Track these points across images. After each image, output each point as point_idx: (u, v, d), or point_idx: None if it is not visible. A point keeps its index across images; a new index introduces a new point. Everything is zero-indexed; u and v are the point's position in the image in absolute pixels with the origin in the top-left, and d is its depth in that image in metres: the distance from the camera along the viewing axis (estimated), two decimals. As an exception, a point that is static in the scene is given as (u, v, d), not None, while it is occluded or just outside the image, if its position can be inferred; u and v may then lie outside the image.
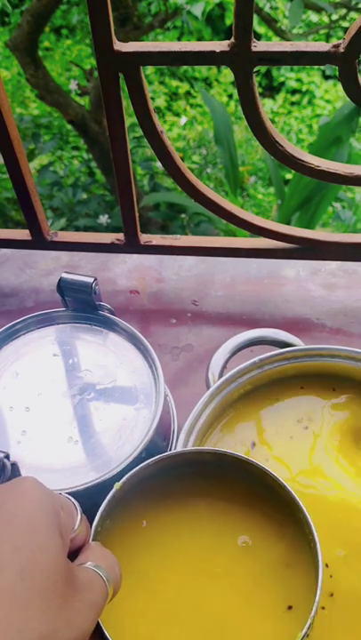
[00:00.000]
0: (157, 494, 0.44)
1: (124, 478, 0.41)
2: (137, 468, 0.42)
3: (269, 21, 2.07)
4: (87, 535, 0.36)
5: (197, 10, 1.77)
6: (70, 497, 0.36)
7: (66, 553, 0.31)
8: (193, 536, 0.42)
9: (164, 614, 0.39)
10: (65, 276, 0.54)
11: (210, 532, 0.42)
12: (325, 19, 2.83)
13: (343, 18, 1.97)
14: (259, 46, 0.52)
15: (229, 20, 2.98)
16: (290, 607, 0.38)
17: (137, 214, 0.69)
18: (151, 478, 0.43)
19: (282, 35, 2.06)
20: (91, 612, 0.31)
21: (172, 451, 0.44)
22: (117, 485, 0.41)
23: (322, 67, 0.54)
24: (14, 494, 0.31)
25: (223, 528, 0.42)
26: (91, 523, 0.39)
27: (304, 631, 0.35)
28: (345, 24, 2.01)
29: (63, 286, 0.54)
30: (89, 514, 0.40)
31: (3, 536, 0.29)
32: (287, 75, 3.21)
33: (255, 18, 1.49)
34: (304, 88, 3.20)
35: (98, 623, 0.35)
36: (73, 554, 0.35)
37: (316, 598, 0.36)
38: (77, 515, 0.35)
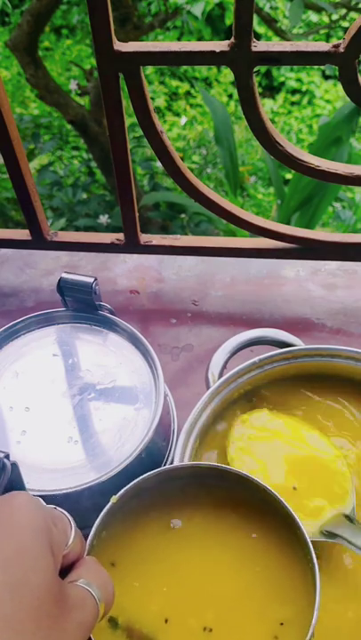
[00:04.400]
0: (160, 505, 0.43)
1: (121, 492, 0.41)
2: (135, 481, 0.41)
3: (269, 21, 2.07)
4: (82, 549, 0.36)
5: (197, 10, 1.77)
6: (64, 512, 0.35)
7: (57, 571, 0.31)
8: (198, 548, 0.42)
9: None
10: (65, 276, 0.54)
11: (215, 543, 0.42)
12: (325, 19, 2.84)
13: (343, 18, 1.97)
14: (259, 46, 0.52)
15: (229, 20, 2.98)
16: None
17: (137, 214, 0.69)
18: (151, 490, 0.43)
19: (282, 35, 2.06)
20: (80, 632, 0.30)
21: (171, 465, 0.44)
22: (114, 499, 0.41)
23: (322, 67, 0.54)
24: (5, 511, 0.31)
25: (227, 539, 0.42)
26: (91, 526, 0.39)
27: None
28: (345, 24, 2.01)
29: (63, 286, 0.54)
30: (89, 514, 0.40)
31: None
32: (287, 75, 3.21)
33: (255, 18, 1.48)
34: (304, 88, 3.19)
35: None
36: (66, 569, 0.34)
37: (317, 600, 0.37)
38: (71, 530, 0.34)
